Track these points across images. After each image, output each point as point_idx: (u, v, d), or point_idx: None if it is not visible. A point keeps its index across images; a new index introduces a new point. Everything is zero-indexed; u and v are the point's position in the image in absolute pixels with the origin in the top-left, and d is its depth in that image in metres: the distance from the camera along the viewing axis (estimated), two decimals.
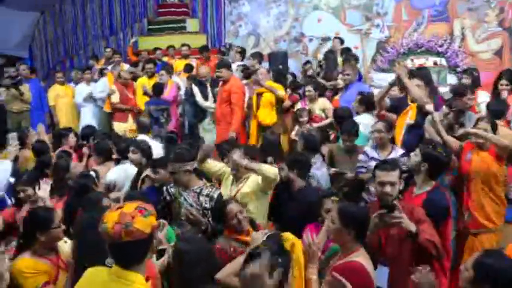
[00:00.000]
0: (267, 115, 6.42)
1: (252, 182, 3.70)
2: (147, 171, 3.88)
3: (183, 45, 9.30)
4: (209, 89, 6.98)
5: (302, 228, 3.18)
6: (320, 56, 8.86)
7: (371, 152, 4.21)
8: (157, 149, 4.90)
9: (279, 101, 6.50)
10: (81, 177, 3.87)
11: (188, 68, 8.35)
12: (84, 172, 4.13)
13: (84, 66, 9.16)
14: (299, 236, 2.92)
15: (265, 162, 4.06)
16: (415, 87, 4.42)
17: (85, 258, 2.25)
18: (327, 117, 6.01)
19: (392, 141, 4.33)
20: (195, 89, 6.95)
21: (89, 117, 7.83)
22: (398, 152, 4.14)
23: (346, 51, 8.06)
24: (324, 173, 4.23)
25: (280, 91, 6.48)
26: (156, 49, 9.40)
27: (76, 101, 8.03)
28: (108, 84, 7.64)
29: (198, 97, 6.90)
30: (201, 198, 3.41)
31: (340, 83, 6.76)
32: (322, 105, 6.10)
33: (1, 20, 9.89)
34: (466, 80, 5.91)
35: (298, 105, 6.41)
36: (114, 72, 7.77)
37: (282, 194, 3.78)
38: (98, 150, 4.70)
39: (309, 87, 6.22)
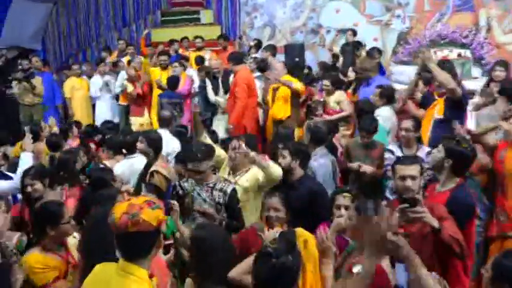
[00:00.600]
0: (280, 109, 6.40)
1: (252, 176, 3.67)
2: (155, 166, 3.88)
3: (196, 37, 9.28)
4: (220, 82, 6.99)
5: (303, 216, 3.17)
6: (336, 49, 8.76)
7: (396, 151, 4.18)
8: (176, 144, 4.91)
9: (295, 94, 6.45)
10: (98, 170, 3.90)
11: (199, 60, 8.32)
12: (100, 165, 4.15)
13: (97, 58, 9.24)
14: (302, 225, 2.92)
15: (274, 154, 4.01)
16: (443, 71, 4.32)
17: (94, 253, 2.26)
18: (341, 111, 5.96)
19: (419, 140, 4.26)
20: (208, 83, 6.98)
21: (104, 110, 7.90)
22: (424, 150, 4.08)
23: (357, 45, 7.96)
24: (322, 164, 4.16)
25: (296, 84, 6.43)
26: (172, 41, 9.41)
27: (91, 94, 8.10)
28: (125, 77, 7.68)
29: (210, 92, 6.92)
30: (215, 192, 3.43)
31: (350, 75, 6.70)
32: (337, 98, 6.04)
33: (15, 11, 10.01)
34: (501, 73, 5.63)
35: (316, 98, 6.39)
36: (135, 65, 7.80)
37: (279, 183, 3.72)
38: (107, 144, 4.73)
39: (326, 82, 6.15)
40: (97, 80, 8.08)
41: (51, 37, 11.79)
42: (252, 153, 3.57)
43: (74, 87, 8.24)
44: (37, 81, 7.89)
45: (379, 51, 7.33)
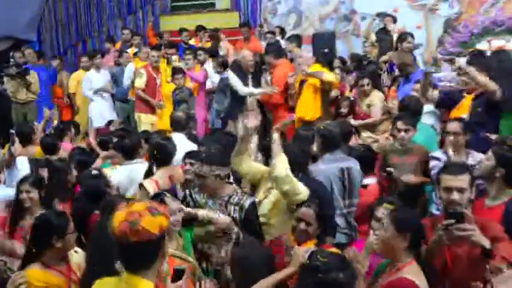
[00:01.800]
0: (308, 108, 6.23)
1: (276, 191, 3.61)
2: (146, 180, 3.87)
3: (213, 30, 9.29)
4: (250, 79, 6.76)
5: None
6: (373, 37, 8.69)
7: (443, 157, 4.07)
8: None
9: (326, 88, 6.35)
10: (91, 178, 3.94)
11: (212, 49, 8.31)
12: (93, 173, 4.21)
13: (94, 50, 9.31)
14: None
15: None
16: (477, 72, 4.34)
17: (99, 267, 2.34)
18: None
19: (467, 144, 4.21)
20: (232, 75, 6.62)
21: (97, 110, 7.82)
22: (476, 157, 3.95)
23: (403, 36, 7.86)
24: (321, 170, 4.04)
25: (328, 75, 6.21)
26: (182, 30, 9.47)
27: (84, 92, 7.97)
28: (133, 70, 7.74)
29: (238, 85, 6.53)
30: (229, 206, 3.43)
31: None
32: (371, 101, 5.92)
33: None
34: None
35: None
36: (141, 55, 7.88)
37: None
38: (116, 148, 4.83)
39: (364, 81, 5.98)
40: (92, 75, 7.90)
41: (48, 26, 12.00)
42: (276, 138, 3.46)
43: (80, 82, 8.21)
44: (33, 76, 8.01)
45: (412, 36, 7.23)
